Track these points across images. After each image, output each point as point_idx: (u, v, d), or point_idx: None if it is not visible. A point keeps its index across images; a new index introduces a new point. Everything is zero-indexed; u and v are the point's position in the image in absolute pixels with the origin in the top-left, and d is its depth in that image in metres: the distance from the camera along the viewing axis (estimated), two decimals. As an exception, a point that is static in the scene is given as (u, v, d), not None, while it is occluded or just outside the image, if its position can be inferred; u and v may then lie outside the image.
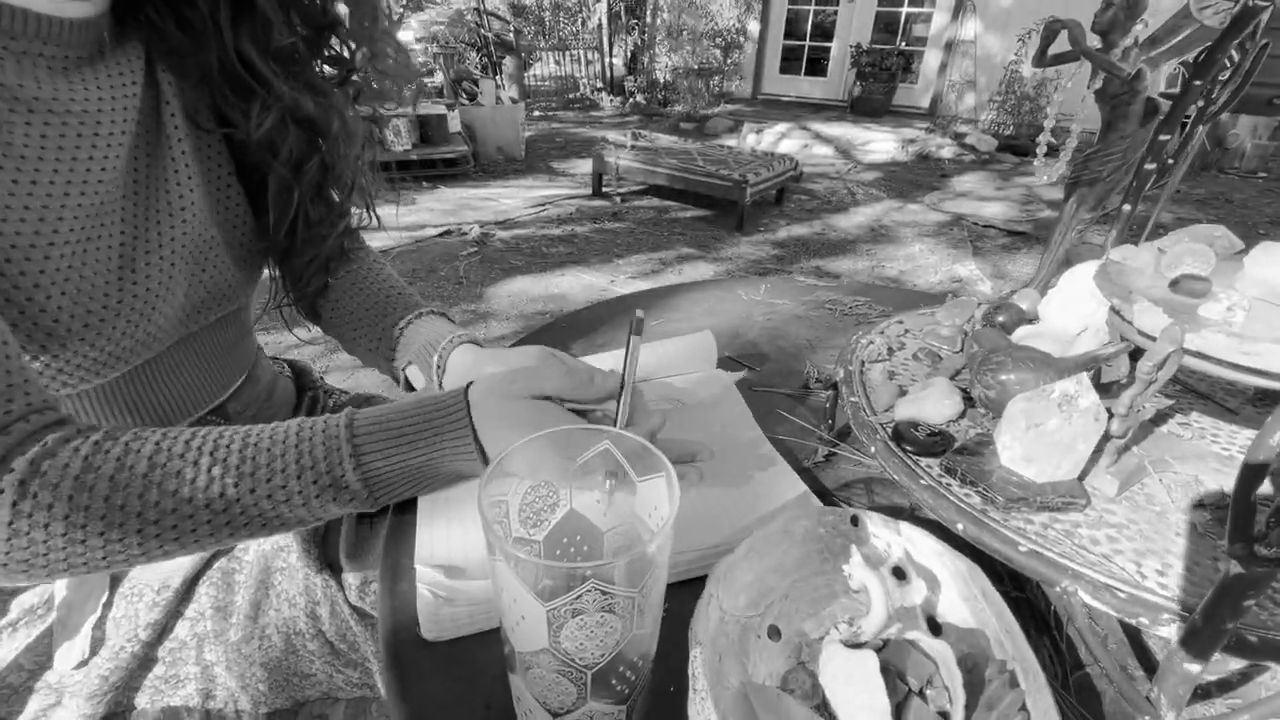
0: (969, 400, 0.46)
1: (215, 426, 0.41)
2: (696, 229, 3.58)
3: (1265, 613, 0.30)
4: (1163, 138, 0.50)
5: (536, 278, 2.83)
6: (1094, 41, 0.56)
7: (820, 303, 0.81)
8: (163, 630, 0.53)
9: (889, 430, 0.43)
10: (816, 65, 7.09)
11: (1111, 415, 0.36)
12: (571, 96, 7.90)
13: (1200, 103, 0.48)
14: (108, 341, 0.45)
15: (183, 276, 0.51)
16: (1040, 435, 0.36)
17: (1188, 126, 0.50)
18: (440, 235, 3.22)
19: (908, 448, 0.41)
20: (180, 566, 0.54)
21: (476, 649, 0.37)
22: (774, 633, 0.36)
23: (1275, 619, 0.30)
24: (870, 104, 6.38)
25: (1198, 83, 0.47)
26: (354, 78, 0.58)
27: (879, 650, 0.33)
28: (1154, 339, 0.33)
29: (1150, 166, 0.52)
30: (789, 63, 7.22)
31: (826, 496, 0.50)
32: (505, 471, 0.28)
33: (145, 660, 0.52)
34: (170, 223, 0.50)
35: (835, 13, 6.73)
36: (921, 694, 0.32)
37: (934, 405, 0.43)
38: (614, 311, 0.78)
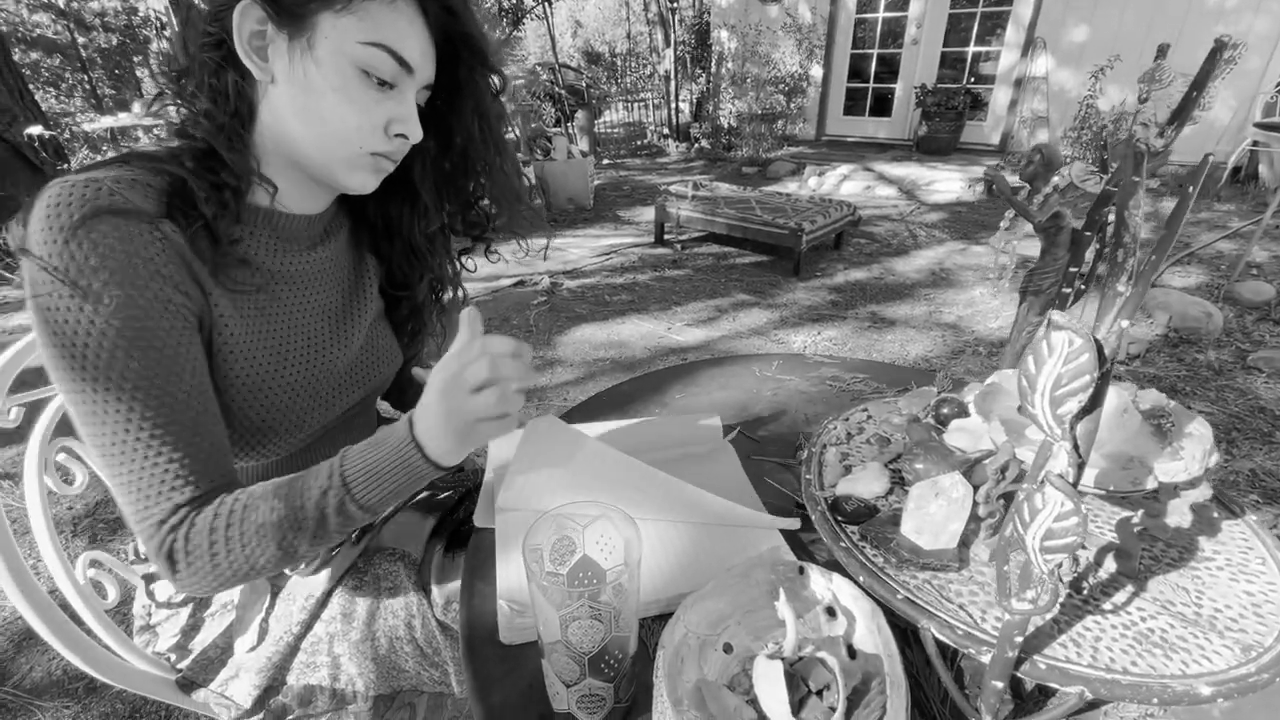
0: (902, 480, 0.60)
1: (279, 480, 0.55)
2: (753, 275, 3.73)
3: (1061, 651, 0.43)
4: (1072, 269, 0.63)
5: (599, 325, 3.05)
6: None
7: (823, 379, 0.95)
8: (307, 628, 0.73)
9: (828, 502, 0.57)
10: (882, 105, 7.15)
11: (976, 504, 0.49)
12: (639, 143, 8.29)
13: (1096, 244, 0.61)
14: (300, 432, 0.67)
15: (361, 380, 0.74)
16: (925, 515, 0.50)
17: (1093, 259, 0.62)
18: (514, 285, 3.53)
19: (838, 517, 0.55)
20: (321, 582, 0.74)
21: (529, 652, 0.54)
22: (728, 648, 0.51)
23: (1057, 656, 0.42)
24: (936, 142, 6.37)
25: (1088, 234, 0.60)
26: (486, 237, 0.80)
27: (795, 663, 0.48)
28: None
29: (1066, 290, 0.64)
30: (853, 103, 7.31)
31: (801, 549, 0.64)
32: (537, 529, 0.45)
33: (294, 649, 0.72)
34: (357, 342, 0.73)
35: (899, 55, 6.80)
36: (820, 694, 0.46)
37: (865, 484, 0.58)
38: (678, 375, 0.97)
